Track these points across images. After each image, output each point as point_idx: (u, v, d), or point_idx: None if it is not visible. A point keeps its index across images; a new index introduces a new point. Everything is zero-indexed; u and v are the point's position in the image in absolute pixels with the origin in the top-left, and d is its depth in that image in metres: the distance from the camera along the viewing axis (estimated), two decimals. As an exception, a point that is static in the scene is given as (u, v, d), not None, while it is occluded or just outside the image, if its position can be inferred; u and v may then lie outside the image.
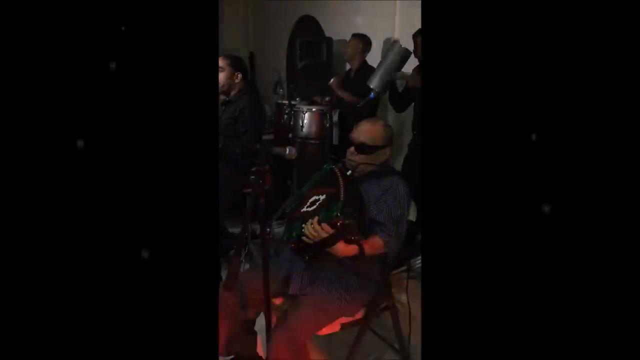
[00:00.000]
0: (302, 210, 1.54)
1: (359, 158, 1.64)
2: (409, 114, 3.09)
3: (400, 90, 2.80)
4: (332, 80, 3.14)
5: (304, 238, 1.43)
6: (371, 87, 2.42)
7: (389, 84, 2.50)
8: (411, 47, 2.52)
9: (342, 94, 3.09)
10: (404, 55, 2.43)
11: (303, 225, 1.43)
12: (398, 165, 3.25)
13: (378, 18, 3.47)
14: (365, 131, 1.65)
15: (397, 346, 1.83)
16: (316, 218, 1.40)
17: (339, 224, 1.37)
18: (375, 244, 1.51)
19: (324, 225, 1.38)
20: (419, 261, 2.59)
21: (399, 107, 2.91)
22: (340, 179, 1.52)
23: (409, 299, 1.66)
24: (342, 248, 1.45)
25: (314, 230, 1.39)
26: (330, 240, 1.41)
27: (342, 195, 1.44)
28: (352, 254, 1.47)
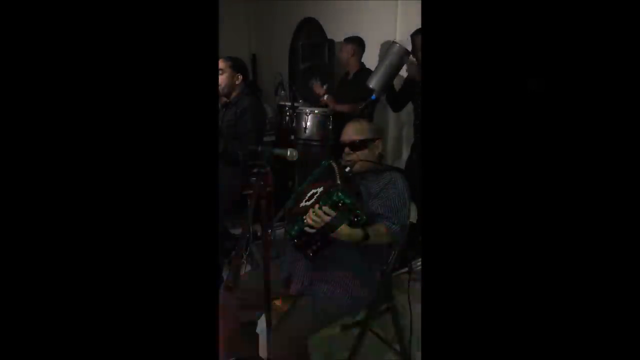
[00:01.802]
0: (300, 205, 1.53)
1: (355, 156, 1.68)
2: (407, 116, 3.10)
3: (397, 89, 2.82)
4: (325, 96, 3.15)
5: (306, 229, 1.42)
6: (370, 86, 2.43)
7: (388, 84, 2.51)
8: (409, 48, 2.53)
9: (339, 107, 3.09)
10: (403, 56, 2.44)
11: (304, 217, 1.43)
12: (398, 165, 3.26)
13: (378, 19, 3.48)
14: (352, 130, 1.72)
15: (397, 348, 1.83)
16: (316, 205, 1.39)
17: (340, 204, 1.36)
18: (379, 230, 1.50)
19: (325, 208, 1.37)
20: (420, 263, 2.59)
21: (396, 107, 2.93)
22: (337, 171, 1.52)
23: (410, 301, 1.66)
24: (346, 231, 1.42)
25: (315, 215, 1.39)
26: (334, 224, 1.39)
27: (338, 180, 1.44)
28: (357, 238, 1.45)
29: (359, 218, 1.43)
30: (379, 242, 1.53)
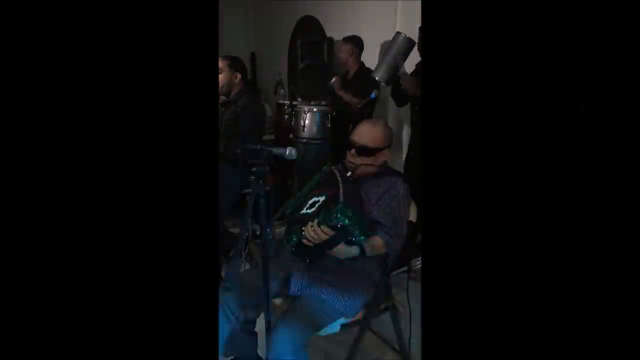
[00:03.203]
0: (302, 212, 1.54)
1: (359, 160, 1.63)
2: (406, 114, 3.09)
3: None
4: (333, 79, 3.15)
5: (304, 241, 1.43)
6: (377, 78, 2.41)
7: (394, 75, 2.49)
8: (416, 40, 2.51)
9: (343, 94, 3.09)
10: (409, 46, 2.42)
11: (303, 228, 1.43)
12: (397, 164, 3.26)
13: (378, 18, 3.48)
14: (367, 133, 1.63)
15: (397, 347, 1.83)
16: (316, 220, 1.40)
17: (339, 225, 1.37)
18: (376, 244, 1.51)
19: (324, 227, 1.38)
20: (419, 262, 2.59)
21: (400, 102, 2.92)
22: (339, 180, 1.52)
23: (409, 300, 1.66)
24: (343, 250, 1.45)
25: (314, 232, 1.39)
26: (331, 242, 1.41)
27: (341, 196, 1.44)
28: (354, 255, 1.47)
29: (357, 238, 1.44)
30: (376, 254, 1.53)
